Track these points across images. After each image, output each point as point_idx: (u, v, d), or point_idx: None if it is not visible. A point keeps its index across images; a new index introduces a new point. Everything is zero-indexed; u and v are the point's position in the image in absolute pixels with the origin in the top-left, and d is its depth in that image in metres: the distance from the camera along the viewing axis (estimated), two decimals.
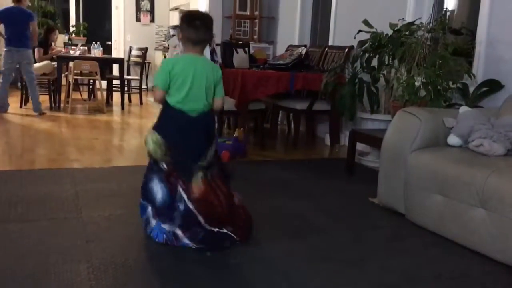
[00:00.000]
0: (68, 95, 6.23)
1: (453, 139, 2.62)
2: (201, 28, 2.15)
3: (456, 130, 2.62)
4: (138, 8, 9.28)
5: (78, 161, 3.68)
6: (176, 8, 8.75)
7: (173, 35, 7.72)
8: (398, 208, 2.71)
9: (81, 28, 8.87)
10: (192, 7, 7.79)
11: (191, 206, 2.12)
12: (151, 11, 9.35)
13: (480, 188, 2.17)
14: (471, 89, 3.35)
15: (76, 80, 6.41)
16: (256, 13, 6.43)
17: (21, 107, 6.29)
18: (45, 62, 6.50)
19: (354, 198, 3.06)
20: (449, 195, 2.34)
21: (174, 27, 8.80)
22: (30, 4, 6.69)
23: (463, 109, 2.74)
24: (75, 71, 6.16)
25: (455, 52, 3.31)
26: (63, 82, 6.60)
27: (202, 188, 2.12)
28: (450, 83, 3.30)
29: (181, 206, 2.14)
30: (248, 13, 6.51)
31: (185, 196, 2.13)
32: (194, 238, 2.12)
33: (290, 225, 2.54)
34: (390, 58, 3.84)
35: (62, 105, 6.41)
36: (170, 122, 2.18)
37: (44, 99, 6.70)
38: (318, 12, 5.84)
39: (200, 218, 2.12)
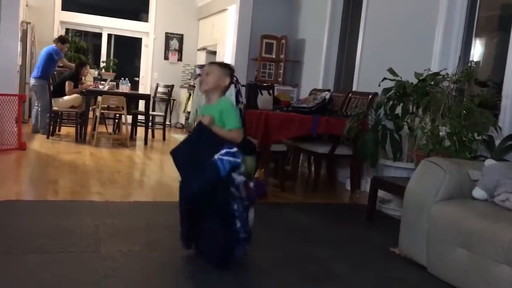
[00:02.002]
0: (94, 128, 6.38)
1: (478, 192, 2.58)
2: None
3: (481, 183, 2.58)
4: (167, 47, 9.58)
5: (100, 194, 3.72)
6: (204, 49, 8.99)
7: (199, 74, 7.90)
8: (420, 260, 2.65)
9: (111, 64, 9.17)
10: (219, 48, 8.01)
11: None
12: (179, 51, 9.63)
13: (506, 245, 2.11)
14: (497, 142, 3.31)
15: (102, 113, 6.58)
16: (282, 56, 6.56)
17: (48, 137, 6.45)
18: (75, 95, 6.70)
19: (374, 247, 3.00)
20: (474, 249, 2.28)
21: (201, 67, 9.04)
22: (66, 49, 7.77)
23: (489, 162, 2.71)
24: (103, 105, 6.32)
25: (481, 104, 3.30)
26: (90, 115, 6.78)
27: None
28: (476, 134, 3.27)
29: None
30: (274, 56, 6.66)
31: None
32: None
33: (306, 271, 2.49)
34: (414, 107, 3.84)
35: (87, 137, 6.56)
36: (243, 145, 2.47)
37: (71, 131, 6.88)
38: (343, 58, 5.93)
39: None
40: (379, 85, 4.10)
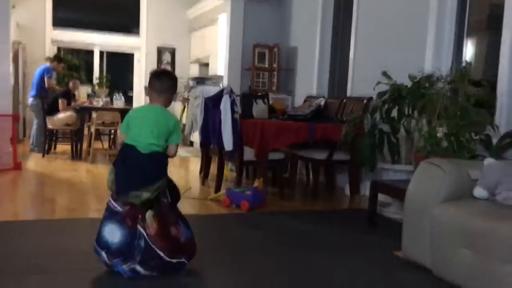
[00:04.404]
0: (89, 145, 6.34)
1: (479, 192, 2.56)
2: (165, 80, 2.49)
3: (482, 182, 2.57)
4: (159, 61, 9.58)
5: (98, 211, 3.67)
6: (197, 61, 9.00)
7: (192, 87, 7.90)
8: (424, 263, 2.62)
9: (104, 80, 9.15)
10: (212, 59, 8.02)
11: (150, 243, 2.29)
12: (172, 64, 9.63)
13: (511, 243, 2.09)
14: (494, 141, 3.31)
15: (97, 130, 6.54)
16: (275, 65, 6.57)
17: (43, 156, 6.40)
18: (69, 113, 6.65)
19: (377, 251, 2.97)
20: (479, 250, 2.25)
21: (195, 79, 9.04)
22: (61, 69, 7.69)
23: (488, 161, 2.69)
24: (97, 121, 6.29)
25: (477, 103, 3.30)
26: (85, 131, 6.75)
27: (155, 226, 2.32)
28: (473, 134, 3.26)
29: (142, 243, 2.30)
30: (267, 65, 6.66)
31: (144, 233, 2.30)
32: (153, 269, 2.31)
33: (309, 279, 2.46)
34: (410, 109, 3.84)
35: (83, 154, 6.51)
36: (121, 154, 2.47)
37: (67, 148, 6.84)
38: (336, 64, 5.94)
39: (160, 253, 2.30)
40: (374, 89, 4.10)
